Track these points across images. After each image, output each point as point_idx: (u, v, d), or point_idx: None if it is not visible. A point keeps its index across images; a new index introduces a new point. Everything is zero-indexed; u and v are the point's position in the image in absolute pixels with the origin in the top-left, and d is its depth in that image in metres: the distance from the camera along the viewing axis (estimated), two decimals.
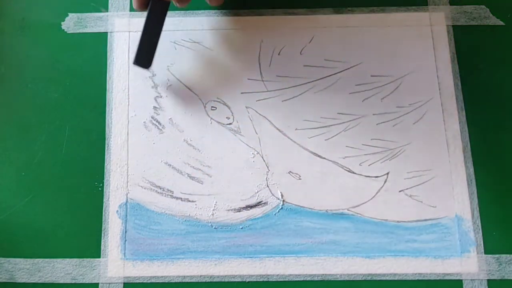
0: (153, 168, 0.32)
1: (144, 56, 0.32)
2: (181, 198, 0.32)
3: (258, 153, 0.33)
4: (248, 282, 0.30)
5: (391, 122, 0.33)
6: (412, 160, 0.32)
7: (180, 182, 0.32)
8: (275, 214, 0.32)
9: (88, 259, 0.31)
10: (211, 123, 0.33)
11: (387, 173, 0.32)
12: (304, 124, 0.33)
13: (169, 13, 0.35)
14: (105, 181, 0.32)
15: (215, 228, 0.31)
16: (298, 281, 0.30)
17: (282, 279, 0.30)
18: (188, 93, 0.34)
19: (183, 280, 0.30)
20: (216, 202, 0.32)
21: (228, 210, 0.32)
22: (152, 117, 0.33)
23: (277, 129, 0.33)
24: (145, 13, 0.32)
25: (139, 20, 0.35)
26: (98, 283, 0.31)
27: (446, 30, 0.35)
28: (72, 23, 0.35)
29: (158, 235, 0.31)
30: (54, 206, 0.32)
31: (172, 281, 0.31)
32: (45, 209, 0.32)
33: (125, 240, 0.31)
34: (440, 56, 0.34)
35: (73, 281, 0.31)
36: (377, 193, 0.32)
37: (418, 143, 0.33)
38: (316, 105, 0.33)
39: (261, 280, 0.30)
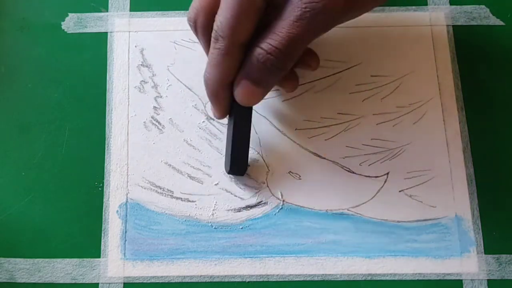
0: (153, 168, 0.32)
1: (238, 164, 0.31)
2: (181, 198, 0.32)
3: (258, 153, 0.33)
4: (248, 282, 0.30)
5: (391, 122, 0.33)
6: (412, 160, 0.32)
7: (180, 182, 0.32)
8: (275, 214, 0.32)
9: (88, 259, 0.31)
10: (211, 123, 0.33)
11: (387, 173, 0.32)
12: (304, 124, 0.33)
13: (169, 13, 0.35)
14: (105, 181, 0.32)
15: (215, 228, 0.31)
16: (298, 281, 0.30)
17: (282, 279, 0.30)
18: (188, 93, 0.34)
19: (183, 280, 0.30)
20: (216, 202, 0.32)
21: (228, 210, 0.32)
22: (152, 117, 0.33)
23: (277, 129, 0.33)
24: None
25: (139, 20, 0.35)
26: (98, 283, 0.31)
27: (446, 30, 0.35)
28: (72, 23, 0.35)
29: (158, 235, 0.31)
30: (54, 206, 0.32)
31: (172, 281, 0.31)
32: (45, 209, 0.32)
33: (125, 240, 0.31)
34: (440, 56, 0.34)
35: (73, 281, 0.31)
36: (377, 193, 0.32)
37: (418, 143, 0.33)
38: (316, 105, 0.33)
39: (261, 280, 0.30)
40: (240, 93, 0.28)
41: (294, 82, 0.31)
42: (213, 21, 0.26)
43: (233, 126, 0.30)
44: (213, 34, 0.26)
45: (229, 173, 0.31)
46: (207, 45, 0.28)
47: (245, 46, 0.27)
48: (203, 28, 0.28)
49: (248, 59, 0.27)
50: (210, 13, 0.27)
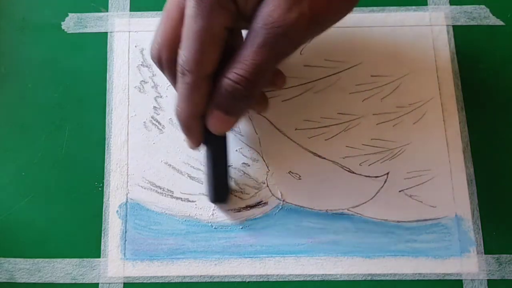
0: (153, 168, 0.32)
1: (221, 192, 0.30)
2: (181, 198, 0.32)
3: (258, 153, 0.33)
4: (248, 282, 0.30)
5: (391, 122, 0.33)
6: (412, 160, 0.32)
7: (180, 182, 0.32)
8: (275, 214, 0.32)
9: (88, 259, 0.31)
10: None
11: (387, 173, 0.32)
12: (304, 124, 0.33)
13: None
14: (105, 181, 0.32)
15: (215, 228, 0.31)
16: (298, 281, 0.30)
17: (282, 279, 0.30)
18: None
19: (183, 280, 0.31)
20: None
21: (228, 210, 0.32)
22: (152, 117, 0.33)
23: (277, 129, 0.33)
24: None
25: (139, 20, 0.35)
26: (98, 283, 0.31)
27: (446, 30, 0.35)
28: (72, 23, 0.35)
29: (158, 235, 0.31)
30: (54, 206, 0.32)
31: (172, 281, 0.31)
32: (45, 209, 0.32)
33: (125, 240, 0.31)
34: (440, 56, 0.34)
35: (73, 281, 0.31)
36: (377, 193, 0.32)
37: (418, 143, 0.33)
38: (316, 105, 0.33)
39: (261, 280, 0.30)
40: (212, 123, 0.27)
41: (264, 104, 0.32)
42: (177, 55, 0.26)
43: (211, 155, 0.30)
44: (179, 69, 0.26)
45: (214, 202, 0.31)
46: (173, 79, 0.28)
47: (212, 76, 0.26)
48: (168, 64, 0.27)
49: (217, 90, 0.26)
50: (173, 48, 0.26)
